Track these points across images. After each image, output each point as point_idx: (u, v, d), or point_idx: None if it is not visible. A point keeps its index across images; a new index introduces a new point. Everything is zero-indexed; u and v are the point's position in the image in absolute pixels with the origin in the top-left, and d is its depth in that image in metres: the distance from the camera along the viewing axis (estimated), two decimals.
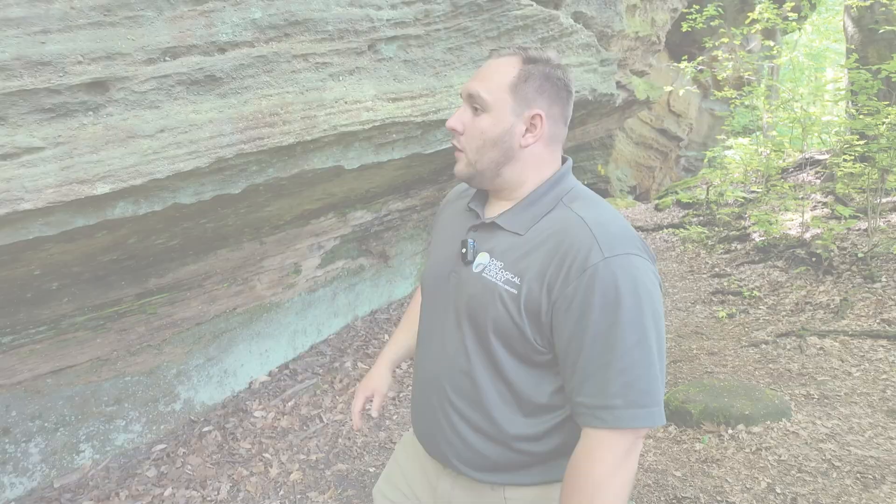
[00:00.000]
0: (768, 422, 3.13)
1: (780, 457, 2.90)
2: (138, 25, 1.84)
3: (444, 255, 1.26)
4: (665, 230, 8.33)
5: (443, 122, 2.91)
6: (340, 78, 2.38)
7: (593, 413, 1.00)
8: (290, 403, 4.31)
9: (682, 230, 7.85)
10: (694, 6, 8.82)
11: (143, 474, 3.44)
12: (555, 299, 1.02)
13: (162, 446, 3.76)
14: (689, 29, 9.12)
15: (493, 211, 1.20)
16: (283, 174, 2.45)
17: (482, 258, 1.13)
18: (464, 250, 1.15)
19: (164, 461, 3.61)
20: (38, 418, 3.38)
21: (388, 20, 2.51)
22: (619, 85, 5.19)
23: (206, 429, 3.94)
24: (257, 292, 4.56)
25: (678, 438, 3.25)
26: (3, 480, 3.24)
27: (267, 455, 3.64)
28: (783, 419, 3.15)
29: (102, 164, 1.81)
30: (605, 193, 11.89)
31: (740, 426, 3.14)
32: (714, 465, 2.93)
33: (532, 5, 3.20)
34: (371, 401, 1.48)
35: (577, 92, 3.72)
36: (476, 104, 1.11)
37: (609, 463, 0.98)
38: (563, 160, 1.20)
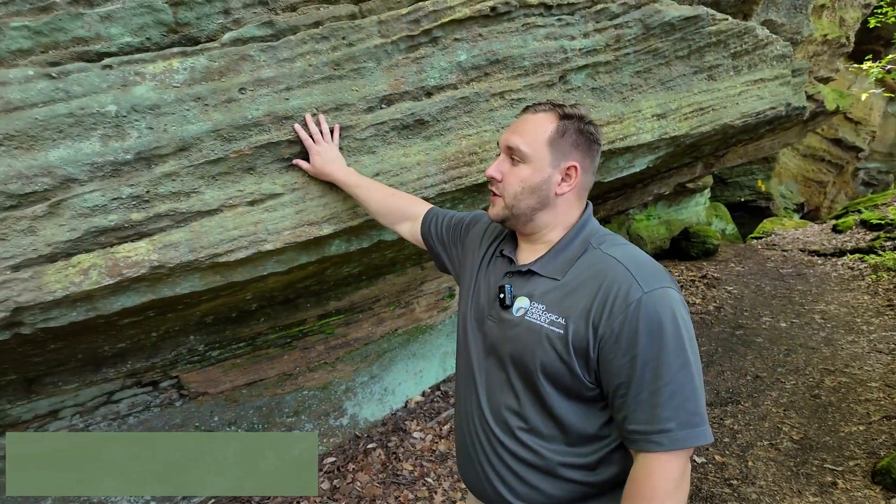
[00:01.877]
0: None
1: None
2: (361, 76, 1.95)
3: (480, 300, 1.34)
4: (849, 256, 7.21)
5: (629, 149, 2.75)
6: None
7: (648, 438, 1.04)
8: (445, 427, 4.34)
9: (872, 256, 6.74)
10: None
11: (318, 486, 3.63)
12: (601, 334, 1.08)
13: (332, 459, 3.97)
14: (878, 24, 7.91)
15: (526, 256, 1.30)
16: (472, 210, 2.46)
17: (522, 302, 1.21)
18: (501, 296, 1.23)
19: (335, 475, 3.80)
20: (233, 424, 3.75)
21: (580, 49, 2.42)
22: (807, 96, 4.59)
23: (370, 445, 4.09)
24: (416, 314, 4.69)
25: None
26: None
27: (429, 480, 3.67)
28: None
29: (328, 207, 1.92)
30: (766, 212, 10.65)
31: None
32: None
33: (727, 19, 2.92)
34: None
35: (771, 108, 3.33)
36: (515, 156, 1.25)
37: (668, 485, 1.02)
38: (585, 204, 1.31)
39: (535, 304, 1.19)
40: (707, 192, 10.68)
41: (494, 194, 1.30)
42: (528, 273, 1.25)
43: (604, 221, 6.31)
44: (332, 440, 4.19)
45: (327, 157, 1.82)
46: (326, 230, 1.93)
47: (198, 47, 1.69)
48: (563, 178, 1.24)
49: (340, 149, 1.94)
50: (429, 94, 2.09)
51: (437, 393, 4.88)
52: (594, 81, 2.57)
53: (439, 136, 2.14)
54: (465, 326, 1.37)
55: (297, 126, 1.81)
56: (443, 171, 2.12)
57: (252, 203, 1.82)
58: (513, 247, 1.35)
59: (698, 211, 10.59)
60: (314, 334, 3.82)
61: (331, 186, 1.94)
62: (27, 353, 1.97)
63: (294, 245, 1.89)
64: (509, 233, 1.39)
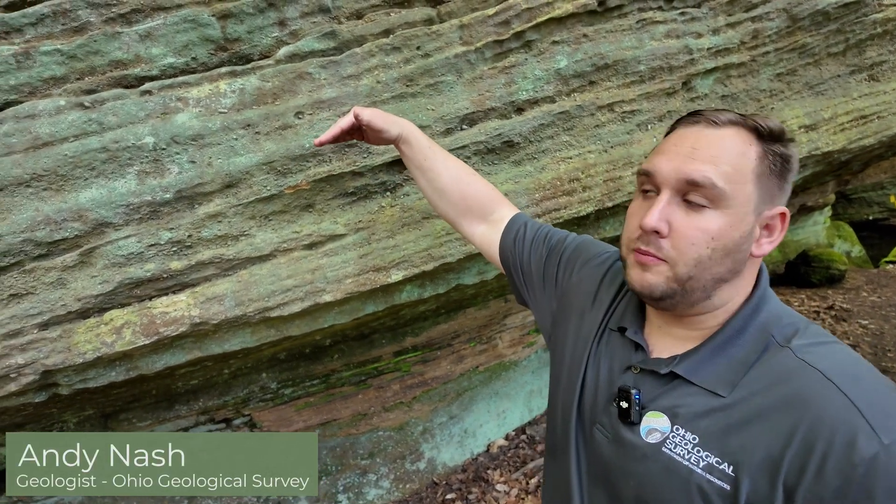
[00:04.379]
0: None
1: None
2: (438, 93, 1.60)
3: (586, 392, 0.89)
4: None
5: None
6: (649, 127, 1.86)
7: None
8: (532, 480, 3.84)
9: None
10: None
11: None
12: None
13: None
14: None
15: (665, 346, 0.85)
16: None
17: (657, 421, 0.79)
18: (624, 404, 0.81)
19: None
20: None
21: (708, 49, 1.92)
22: None
23: (449, 496, 3.69)
24: (498, 350, 4.27)
25: None
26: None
27: None
28: None
29: (397, 250, 1.58)
30: None
31: None
32: None
33: None
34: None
35: None
36: (700, 196, 0.76)
37: None
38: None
39: (681, 432, 0.76)
40: (827, 210, 9.36)
41: (650, 255, 0.81)
42: (671, 376, 0.81)
43: None
44: (408, 486, 3.84)
45: (376, 110, 1.25)
46: (396, 276, 1.58)
47: (249, 66, 1.42)
48: (765, 233, 0.80)
49: (411, 179, 1.60)
50: (519, 111, 1.70)
51: (523, 437, 4.39)
52: (725, 87, 2.05)
53: (532, 160, 1.73)
54: (560, 419, 0.92)
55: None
56: (536, 202, 1.71)
57: (310, 246, 1.52)
58: (639, 323, 0.89)
59: (817, 231, 9.31)
60: (389, 372, 3.51)
61: (402, 224, 1.59)
62: (90, 395, 1.80)
63: (358, 294, 1.56)
64: (633, 297, 0.92)
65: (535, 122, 1.69)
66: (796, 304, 7.30)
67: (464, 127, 1.65)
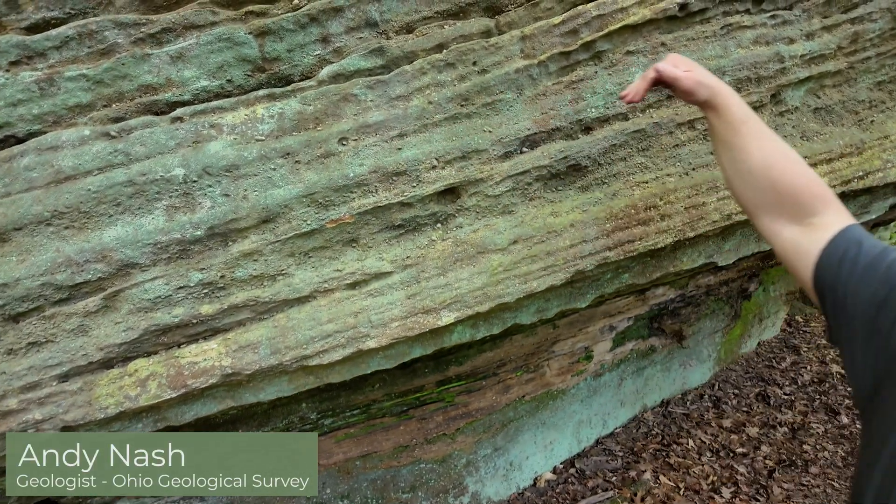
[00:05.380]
0: None
1: None
2: (496, 112, 1.40)
3: None
4: None
5: (869, 190, 1.87)
6: None
7: None
8: None
9: None
10: None
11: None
12: None
13: None
14: None
15: None
16: (639, 280, 1.77)
17: None
18: None
19: None
20: (346, 498, 3.33)
21: (801, 56, 1.66)
22: None
23: None
24: (546, 379, 4.00)
25: None
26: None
27: None
28: None
29: (449, 289, 1.38)
30: None
31: None
32: None
33: None
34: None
35: None
36: None
37: None
38: None
39: None
40: (893, 225, 8.69)
41: None
42: None
43: (752, 276, 5.12)
44: None
45: (694, 63, 1.07)
46: (447, 319, 1.38)
47: (289, 88, 1.26)
48: None
49: (464, 209, 1.40)
50: (587, 130, 1.48)
51: (571, 471, 4.09)
52: (818, 99, 1.77)
53: (602, 185, 1.51)
54: None
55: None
56: (606, 233, 1.48)
57: (353, 286, 1.33)
58: None
59: None
60: (432, 402, 3.31)
61: (454, 260, 1.39)
62: None
63: (403, 339, 1.37)
64: None
65: (606, 143, 1.47)
66: None
67: (524, 149, 1.44)
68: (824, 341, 6.25)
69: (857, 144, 1.79)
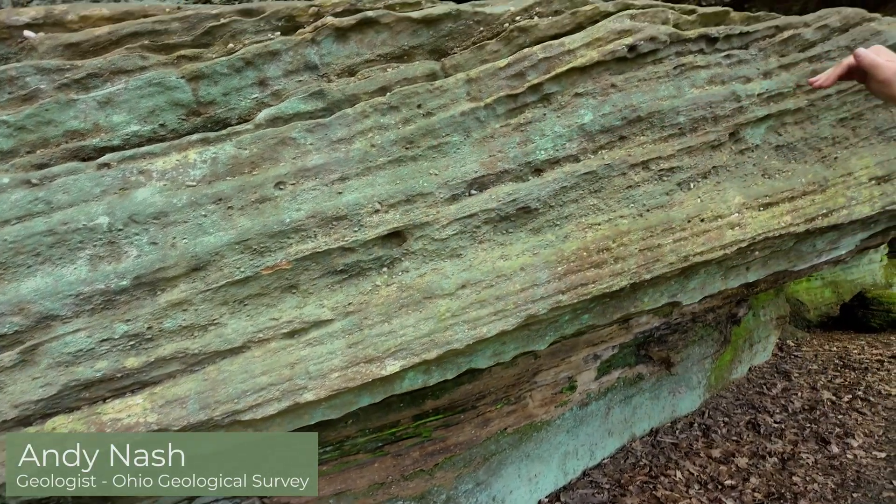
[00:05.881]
0: None
1: None
2: (442, 155, 1.36)
3: None
4: None
5: (835, 227, 1.82)
6: (692, 185, 1.56)
7: None
8: None
9: None
10: None
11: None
12: None
13: None
14: None
15: None
16: (599, 321, 1.71)
17: None
18: None
19: None
20: None
21: (759, 95, 1.62)
22: None
23: None
24: (529, 410, 3.89)
25: None
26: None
27: None
28: None
29: (394, 336, 1.31)
30: None
31: None
32: None
33: None
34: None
35: None
36: None
37: None
38: None
39: None
40: (883, 248, 8.64)
41: None
42: None
43: (740, 302, 5.05)
44: None
45: (887, 53, 1.05)
46: (392, 367, 1.31)
47: (224, 132, 1.22)
48: None
49: (410, 253, 1.35)
50: (538, 172, 1.44)
51: None
52: (779, 137, 1.73)
53: (553, 227, 1.46)
54: None
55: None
56: (558, 276, 1.42)
57: (290, 335, 1.27)
58: None
59: (873, 270, 8.58)
60: (408, 438, 3.20)
61: (399, 306, 1.33)
62: None
63: (345, 389, 1.30)
64: None
65: (556, 185, 1.43)
66: (856, 350, 6.63)
67: (473, 192, 1.39)
68: (815, 367, 6.15)
69: (819, 182, 1.75)
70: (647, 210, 1.50)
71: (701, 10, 1.52)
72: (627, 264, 1.47)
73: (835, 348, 6.94)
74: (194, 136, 1.20)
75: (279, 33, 1.24)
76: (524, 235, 1.44)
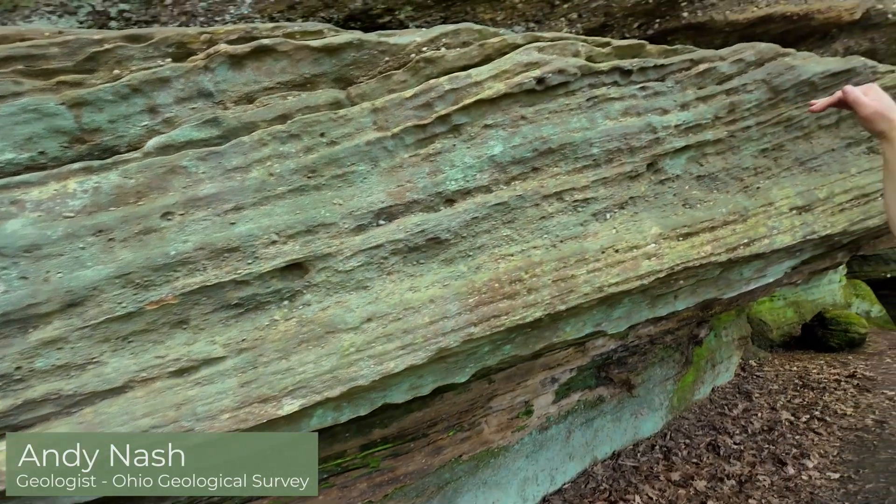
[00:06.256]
0: None
1: None
2: (348, 184, 1.32)
3: None
4: None
5: (759, 256, 1.82)
6: (608, 216, 1.55)
7: None
8: None
9: None
10: None
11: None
12: None
13: None
14: None
15: None
16: (523, 351, 1.66)
17: None
18: None
19: None
20: None
21: (675, 126, 1.63)
22: None
23: None
24: (484, 437, 3.81)
25: None
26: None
27: None
28: None
29: (292, 374, 1.25)
30: None
31: None
32: None
33: (893, 71, 1.98)
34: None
35: None
36: None
37: None
38: None
39: None
40: (842, 269, 8.86)
41: None
42: None
43: (701, 323, 5.08)
44: None
45: (888, 97, 1.14)
46: (289, 407, 1.24)
47: (110, 160, 1.16)
48: None
49: (313, 286, 1.29)
50: (450, 202, 1.41)
51: None
52: (700, 167, 1.74)
53: (466, 258, 1.42)
54: None
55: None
56: (469, 308, 1.38)
57: (178, 373, 1.20)
58: None
59: (833, 290, 8.77)
60: (355, 468, 3.08)
61: (300, 341, 1.27)
62: None
63: (237, 431, 1.22)
64: None
65: (468, 216, 1.39)
66: (815, 370, 6.71)
67: (381, 222, 1.35)
68: (776, 387, 6.20)
69: (740, 212, 1.75)
70: (561, 241, 1.47)
71: (616, 42, 1.52)
72: (541, 295, 1.43)
73: (795, 368, 7.02)
74: (76, 165, 1.14)
75: (170, 60, 1.19)
76: (436, 266, 1.40)
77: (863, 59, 1.86)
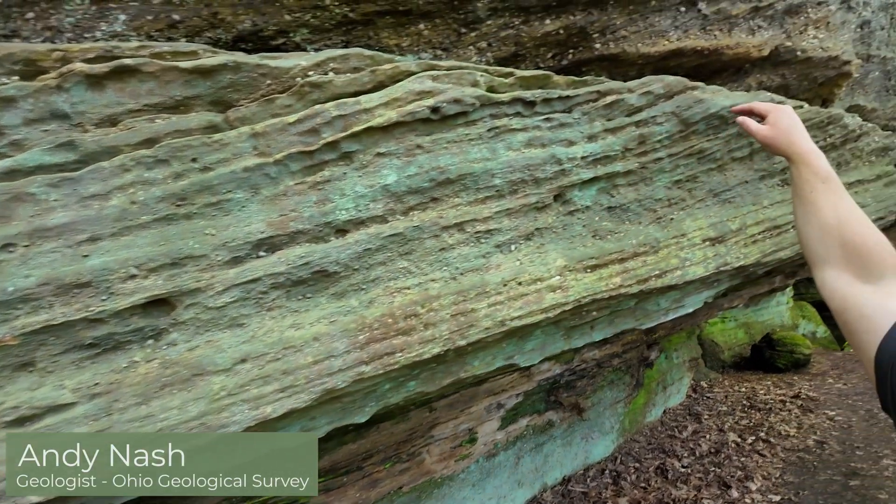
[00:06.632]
0: None
1: None
2: (224, 213, 1.22)
3: None
4: None
5: (673, 287, 1.80)
6: (512, 248, 1.49)
7: None
8: None
9: None
10: None
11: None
12: None
13: None
14: None
15: None
16: (429, 388, 1.58)
17: None
18: None
19: None
20: None
21: (583, 157, 1.60)
22: None
23: None
24: (426, 467, 3.67)
25: None
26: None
27: None
28: None
29: (152, 421, 1.13)
30: None
31: None
32: None
33: (803, 106, 2.02)
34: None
35: (879, 218, 2.28)
36: None
37: None
38: None
39: None
40: (790, 291, 9.13)
41: None
42: None
43: (651, 345, 5.11)
44: None
45: (791, 118, 1.14)
46: None
47: None
48: None
49: (179, 324, 1.18)
50: (341, 233, 1.32)
51: None
52: (612, 198, 1.71)
53: (358, 292, 1.33)
54: None
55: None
56: (359, 346, 1.29)
57: (18, 422, 1.06)
58: None
59: (781, 312, 9.02)
60: None
61: (163, 385, 1.15)
62: None
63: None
64: None
65: (360, 247, 1.31)
66: (762, 391, 6.82)
67: (261, 254, 1.26)
68: (725, 408, 6.26)
69: (651, 243, 1.73)
70: (461, 273, 1.41)
71: (519, 73, 1.49)
72: (439, 330, 1.36)
73: (744, 389, 7.12)
74: None
75: (17, 78, 1.09)
76: (324, 301, 1.31)
77: (769, 94, 1.89)
